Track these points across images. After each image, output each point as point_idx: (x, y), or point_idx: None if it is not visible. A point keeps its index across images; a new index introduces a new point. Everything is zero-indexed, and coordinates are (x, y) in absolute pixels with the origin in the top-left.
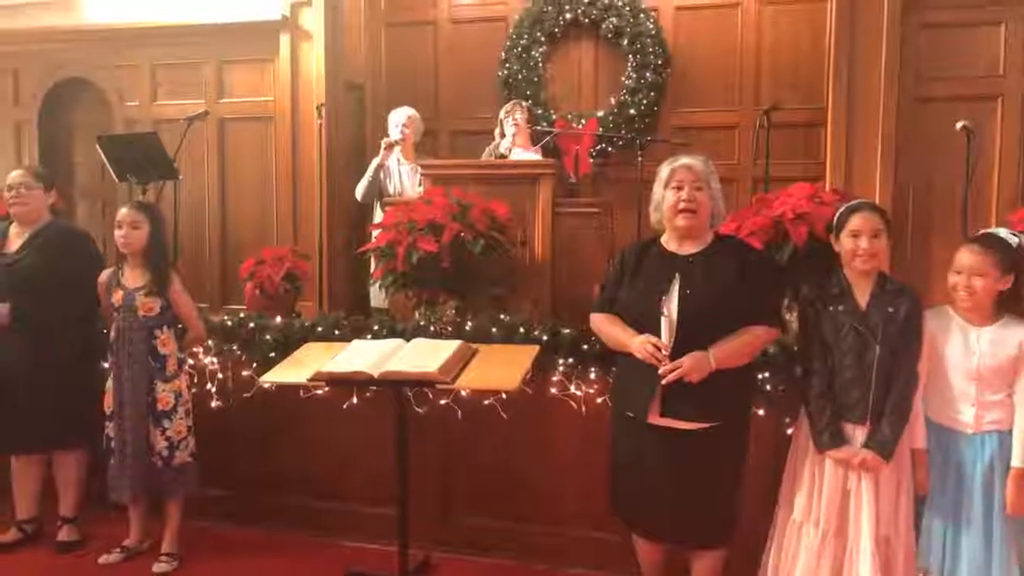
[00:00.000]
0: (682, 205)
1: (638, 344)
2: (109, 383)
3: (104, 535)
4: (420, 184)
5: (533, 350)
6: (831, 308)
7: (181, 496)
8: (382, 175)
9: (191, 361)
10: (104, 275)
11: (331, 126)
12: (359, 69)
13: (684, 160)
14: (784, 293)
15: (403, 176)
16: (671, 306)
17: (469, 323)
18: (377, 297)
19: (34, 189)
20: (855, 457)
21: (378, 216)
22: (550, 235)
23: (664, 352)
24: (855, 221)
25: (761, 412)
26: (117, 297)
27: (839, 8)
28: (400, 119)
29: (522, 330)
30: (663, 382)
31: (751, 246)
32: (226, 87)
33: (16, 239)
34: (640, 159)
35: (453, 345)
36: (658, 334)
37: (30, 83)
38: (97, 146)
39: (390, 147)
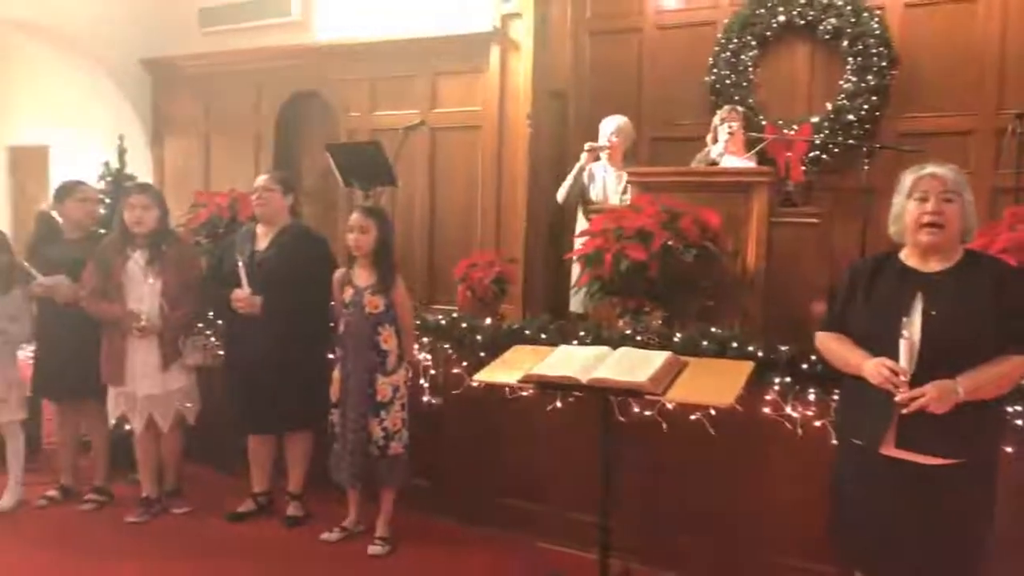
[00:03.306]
0: (926, 219)
1: (872, 367)
2: (336, 373)
3: (325, 513)
4: (625, 191)
5: (747, 366)
6: None
7: (394, 485)
8: (585, 179)
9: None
10: (338, 273)
11: (536, 134)
12: (563, 77)
13: (931, 168)
14: None
15: (607, 182)
16: (913, 328)
17: (678, 335)
18: (577, 303)
19: (274, 192)
20: None
21: (581, 222)
22: (764, 246)
23: (903, 378)
24: None
25: (1009, 449)
26: (347, 294)
27: None
28: (610, 128)
29: (735, 344)
30: (903, 412)
31: (1010, 264)
32: (439, 98)
33: (263, 238)
34: (866, 167)
35: (663, 356)
36: (894, 357)
37: (269, 97)
38: (327, 153)
39: (593, 151)
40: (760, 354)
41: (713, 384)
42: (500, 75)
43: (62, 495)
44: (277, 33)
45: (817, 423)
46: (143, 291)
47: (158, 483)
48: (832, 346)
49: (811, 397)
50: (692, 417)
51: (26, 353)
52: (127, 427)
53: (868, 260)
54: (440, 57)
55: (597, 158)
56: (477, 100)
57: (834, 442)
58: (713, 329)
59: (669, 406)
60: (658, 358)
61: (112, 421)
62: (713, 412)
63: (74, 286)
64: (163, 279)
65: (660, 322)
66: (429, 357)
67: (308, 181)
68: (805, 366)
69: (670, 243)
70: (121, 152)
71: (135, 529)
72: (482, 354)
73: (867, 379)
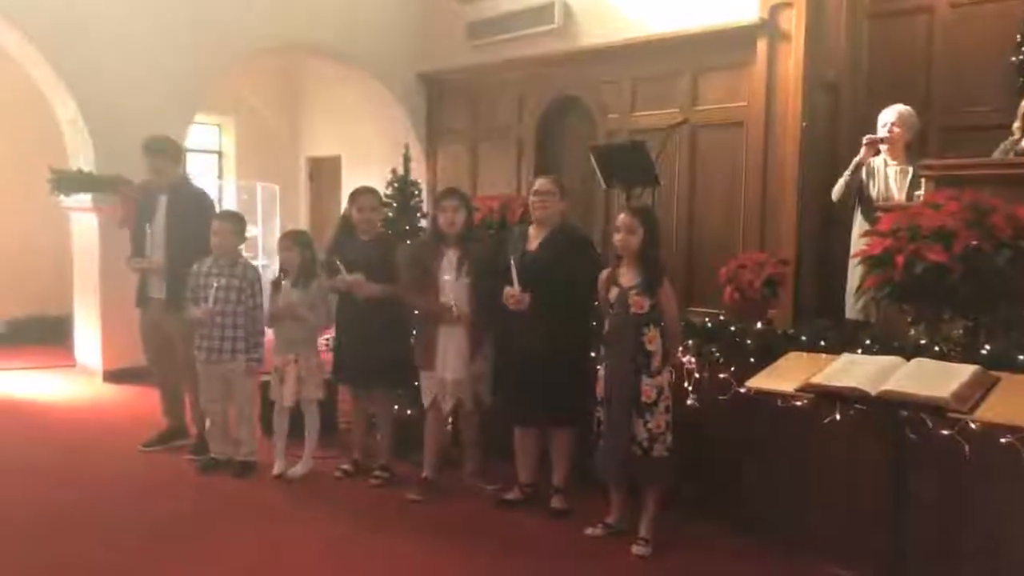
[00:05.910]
0: None
1: None
2: (601, 371)
3: (589, 509)
4: (914, 187)
5: None
6: None
7: (658, 487)
8: (864, 175)
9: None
10: (604, 273)
11: (807, 128)
12: (836, 67)
13: None
14: None
15: (889, 178)
16: None
17: (986, 346)
18: (855, 308)
19: (555, 195)
20: None
21: (858, 221)
22: None
23: None
24: None
25: None
26: (613, 294)
27: None
28: (889, 118)
29: None
30: None
31: None
32: (700, 95)
33: (534, 239)
34: None
35: (969, 370)
36: None
37: (531, 104)
38: (589, 155)
39: (872, 144)
40: None
41: None
42: (767, 68)
43: (355, 469)
44: (539, 41)
45: None
46: (455, 285)
47: (438, 467)
48: None
49: None
50: (1002, 440)
51: (323, 339)
52: (408, 412)
53: None
54: (701, 53)
55: (877, 152)
56: (742, 95)
57: None
58: None
59: (972, 426)
60: (963, 372)
61: (426, 403)
62: None
63: (371, 284)
64: (472, 274)
65: (961, 331)
66: (693, 360)
67: (567, 183)
68: None
69: (975, 243)
70: (406, 160)
71: (414, 507)
72: (752, 360)
73: None
